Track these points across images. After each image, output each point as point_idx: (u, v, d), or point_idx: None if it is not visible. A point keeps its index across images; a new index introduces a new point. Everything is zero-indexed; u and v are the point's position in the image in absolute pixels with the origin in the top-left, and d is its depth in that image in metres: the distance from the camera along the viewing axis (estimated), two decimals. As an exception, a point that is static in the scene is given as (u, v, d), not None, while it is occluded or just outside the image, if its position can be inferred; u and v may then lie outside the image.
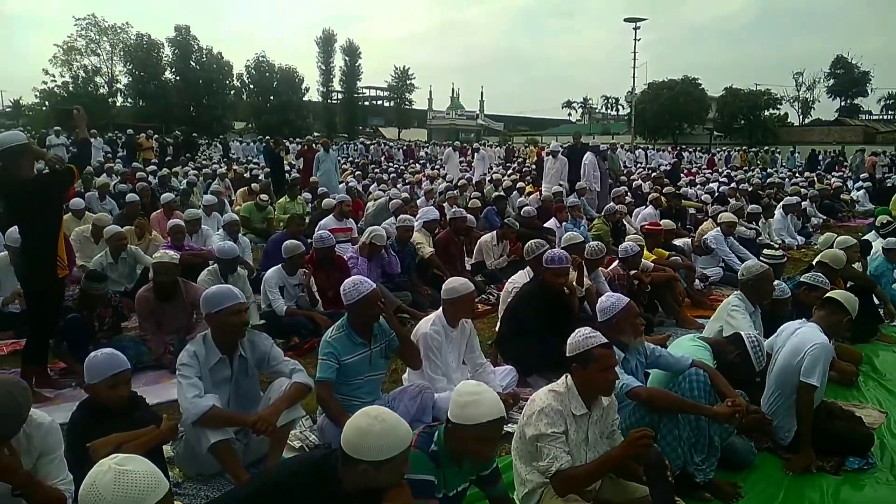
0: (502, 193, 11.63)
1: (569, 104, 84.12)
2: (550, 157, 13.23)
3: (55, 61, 44.50)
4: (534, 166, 19.53)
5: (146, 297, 4.94)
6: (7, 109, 52.10)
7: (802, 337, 3.59)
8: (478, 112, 67.97)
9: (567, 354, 2.79)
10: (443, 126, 62.61)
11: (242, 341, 3.30)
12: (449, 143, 27.07)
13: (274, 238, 7.41)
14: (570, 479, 2.64)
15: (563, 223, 9.10)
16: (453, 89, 70.07)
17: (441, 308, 4.12)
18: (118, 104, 47.30)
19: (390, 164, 24.40)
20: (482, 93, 70.13)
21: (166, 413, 3.21)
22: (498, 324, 5.41)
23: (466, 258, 8.06)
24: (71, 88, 44.37)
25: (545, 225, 9.20)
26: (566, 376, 2.81)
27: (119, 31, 45.66)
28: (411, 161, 27.46)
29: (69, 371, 4.72)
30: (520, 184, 14.30)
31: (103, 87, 46.40)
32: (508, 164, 24.15)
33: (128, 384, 2.95)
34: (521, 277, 5.48)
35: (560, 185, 11.90)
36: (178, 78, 45.78)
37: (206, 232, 7.94)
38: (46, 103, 43.78)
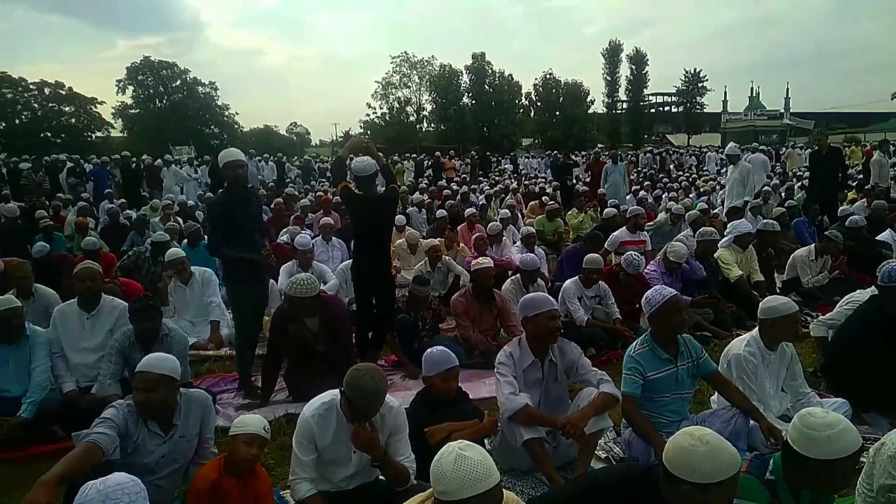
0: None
1: (900, 94, 70.24)
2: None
3: (375, 95, 51.78)
4: (859, 168, 16.82)
5: (461, 301, 5.51)
6: (339, 139, 62.20)
7: None
8: (782, 111, 60.79)
9: None
10: (739, 128, 57.28)
11: (553, 347, 3.48)
12: (748, 147, 24.70)
13: (569, 250, 7.62)
14: None
15: (903, 235, 7.70)
16: (752, 88, 63.83)
17: (758, 328, 3.82)
18: (423, 129, 53.08)
19: (680, 172, 23.19)
20: (788, 89, 62.55)
21: (486, 409, 3.53)
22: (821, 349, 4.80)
23: (776, 274, 7.31)
24: (387, 118, 51.11)
25: (878, 237, 7.88)
26: None
27: (426, 63, 51.29)
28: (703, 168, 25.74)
29: (399, 363, 5.48)
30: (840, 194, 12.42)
31: (412, 115, 52.48)
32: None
33: (457, 378, 3.33)
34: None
35: None
36: (473, 101, 49.74)
37: (505, 243, 8.51)
38: (368, 132, 51.12)
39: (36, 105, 41.68)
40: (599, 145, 44.25)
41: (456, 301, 5.55)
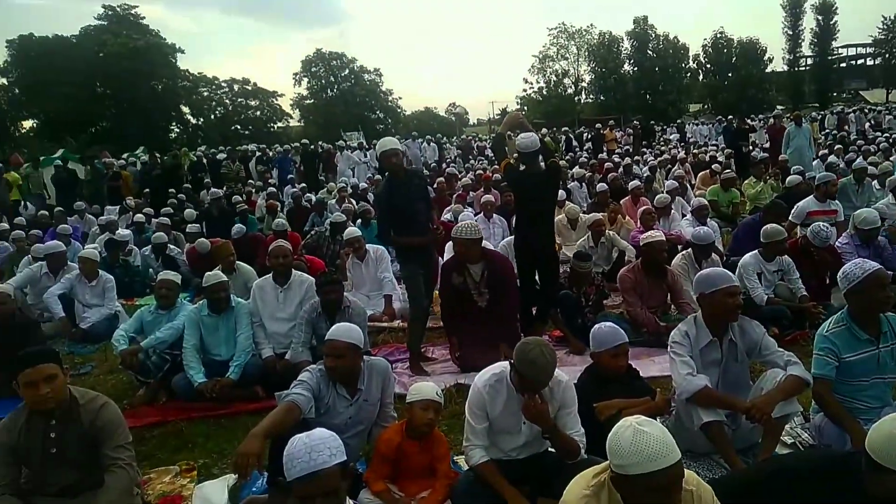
0: None
1: None
2: None
3: (532, 70, 51.26)
4: None
5: (629, 277, 5.37)
6: (496, 117, 62.54)
7: None
8: None
9: None
10: (955, 79, 49.11)
11: (732, 326, 3.29)
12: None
13: (746, 222, 7.11)
14: None
15: None
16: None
17: None
18: (582, 101, 51.70)
19: (877, 133, 20.43)
20: None
21: (657, 388, 3.45)
22: None
23: None
24: (545, 92, 50.47)
25: None
26: None
27: (584, 33, 49.85)
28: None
29: (563, 339, 5.48)
30: None
31: (570, 87, 51.32)
32: None
33: (626, 355, 3.28)
34: None
35: None
36: (635, 69, 47.50)
37: (673, 216, 8.12)
38: (525, 108, 50.81)
39: (228, 101, 46.51)
40: (779, 107, 40.21)
41: (624, 276, 5.41)
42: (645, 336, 5.20)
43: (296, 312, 5.02)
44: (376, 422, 3.42)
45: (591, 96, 51.28)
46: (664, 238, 5.52)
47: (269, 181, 16.49)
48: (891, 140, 16.46)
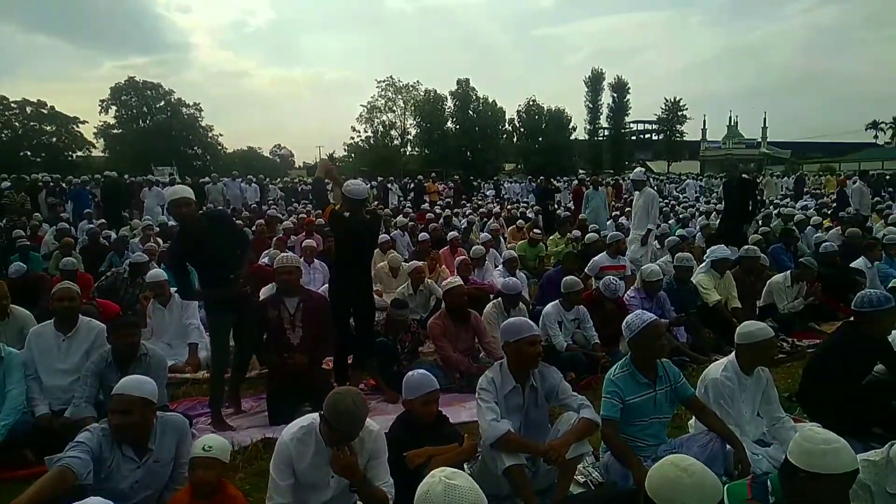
0: (792, 228, 10.49)
1: (875, 125, 72.10)
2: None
3: (361, 119, 52.03)
4: (833, 197, 17.21)
5: (437, 324, 5.52)
6: (324, 161, 62.18)
7: None
8: (759, 139, 62.01)
9: None
10: (717, 157, 58.29)
11: (534, 372, 3.49)
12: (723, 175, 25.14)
13: (549, 274, 7.67)
14: None
15: (875, 263, 7.86)
16: (730, 117, 64.98)
17: (734, 353, 3.87)
18: (407, 153, 53.34)
19: (660, 199, 23.45)
20: (765, 118, 63.83)
21: (466, 433, 3.53)
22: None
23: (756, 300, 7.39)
24: (371, 142, 51.32)
25: (852, 265, 8.03)
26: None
27: (411, 88, 51.79)
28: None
29: (378, 387, 5.45)
30: (815, 217, 12.72)
31: (397, 138, 52.76)
32: (799, 196, 21.57)
33: (437, 402, 3.33)
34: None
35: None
36: (457, 126, 50.19)
37: (487, 267, 8.55)
38: (353, 155, 51.20)
39: (17, 123, 41.37)
40: (581, 171, 44.73)
41: (433, 323, 5.56)
42: (456, 383, 5.36)
43: (81, 363, 4.45)
44: (168, 485, 3.10)
45: (417, 149, 53.09)
46: (461, 283, 5.81)
47: (62, 215, 14.75)
48: (669, 206, 18.98)
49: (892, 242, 8.20)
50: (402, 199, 21.16)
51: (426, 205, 18.47)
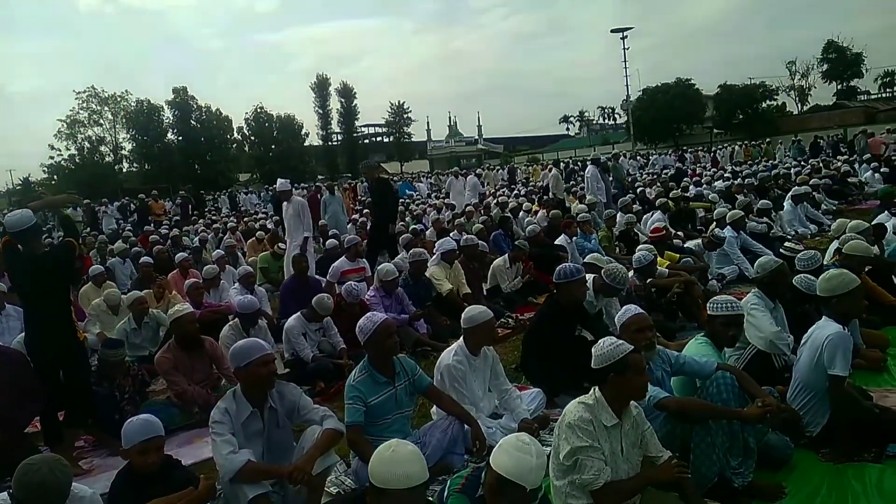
0: (508, 215, 11.70)
1: (566, 119, 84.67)
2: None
3: (60, 135, 45.57)
4: (540, 184, 19.65)
5: (166, 358, 5.01)
6: (17, 187, 53.12)
7: (819, 331, 3.58)
8: (476, 137, 68.51)
9: (598, 366, 2.80)
10: (443, 155, 63.15)
11: (271, 393, 3.33)
12: (450, 171, 27.25)
13: (285, 284, 7.50)
14: (615, 494, 2.67)
15: (574, 238, 9.13)
16: (450, 117, 70.88)
17: (462, 337, 4.15)
18: (124, 170, 48.22)
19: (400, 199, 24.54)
20: (479, 118, 70.92)
21: (203, 473, 3.25)
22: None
23: (483, 283, 8.09)
24: (78, 160, 45.35)
25: (556, 242, 9.23)
26: (594, 389, 2.83)
27: (119, 99, 46.81)
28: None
29: (100, 442, 4.78)
30: (526, 204, 14.36)
31: (109, 155, 47.35)
32: (513, 186, 24.24)
33: (159, 450, 2.99)
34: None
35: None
36: (179, 138, 46.66)
37: (223, 286, 8.05)
38: (55, 177, 44.66)
39: None
40: (320, 176, 44.79)
41: (161, 358, 5.03)
42: (197, 417, 4.93)
43: None
44: None
45: (136, 165, 48.29)
46: (190, 310, 5.36)
47: None
48: (404, 204, 19.91)
49: (585, 220, 9.60)
50: (120, 221, 18.94)
51: (150, 226, 16.80)
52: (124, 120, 46.69)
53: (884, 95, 55.86)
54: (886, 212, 8.67)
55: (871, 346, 4.79)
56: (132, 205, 22.19)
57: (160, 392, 5.47)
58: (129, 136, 46.90)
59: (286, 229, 9.76)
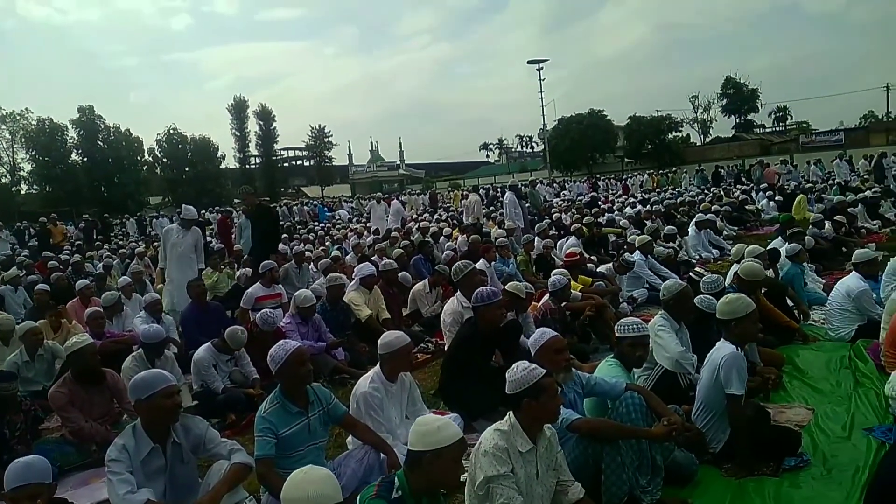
0: (428, 240, 11.75)
1: (485, 146, 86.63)
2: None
3: (-53, 155, 42.36)
4: (461, 210, 19.90)
5: (61, 392, 4.64)
6: None
7: (716, 353, 3.77)
8: (398, 162, 68.74)
9: (512, 391, 2.82)
10: (365, 179, 62.94)
11: (175, 427, 3.16)
12: (372, 196, 27.18)
13: (184, 314, 7.20)
14: None
15: (493, 262, 9.25)
16: (372, 142, 70.96)
17: (378, 364, 4.09)
18: (23, 192, 45.25)
19: (316, 223, 24.24)
20: (401, 143, 71.07)
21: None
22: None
23: (403, 308, 8.04)
24: (-32, 181, 42.20)
25: (476, 266, 9.29)
26: (510, 414, 2.85)
27: (18, 117, 44.05)
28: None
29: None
30: (446, 229, 14.48)
31: (5, 176, 44.34)
32: (434, 211, 24.44)
33: (33, 498, 2.68)
34: (452, 304, 5.85)
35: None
36: (85, 159, 44.26)
37: (127, 314, 7.63)
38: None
39: None
40: (236, 200, 43.47)
41: (55, 393, 4.66)
42: (94, 455, 4.59)
43: None
44: None
45: (36, 187, 45.36)
46: (89, 341, 4.92)
47: None
48: (325, 229, 19.70)
49: (503, 245, 9.76)
50: (16, 246, 17.68)
51: (49, 251, 15.74)
52: (23, 139, 43.90)
53: (777, 129, 60.50)
54: (780, 237, 9.29)
55: (768, 364, 5.07)
56: (31, 229, 20.75)
57: (54, 430, 5.08)
58: (28, 156, 44.11)
59: (166, 257, 8.68)
